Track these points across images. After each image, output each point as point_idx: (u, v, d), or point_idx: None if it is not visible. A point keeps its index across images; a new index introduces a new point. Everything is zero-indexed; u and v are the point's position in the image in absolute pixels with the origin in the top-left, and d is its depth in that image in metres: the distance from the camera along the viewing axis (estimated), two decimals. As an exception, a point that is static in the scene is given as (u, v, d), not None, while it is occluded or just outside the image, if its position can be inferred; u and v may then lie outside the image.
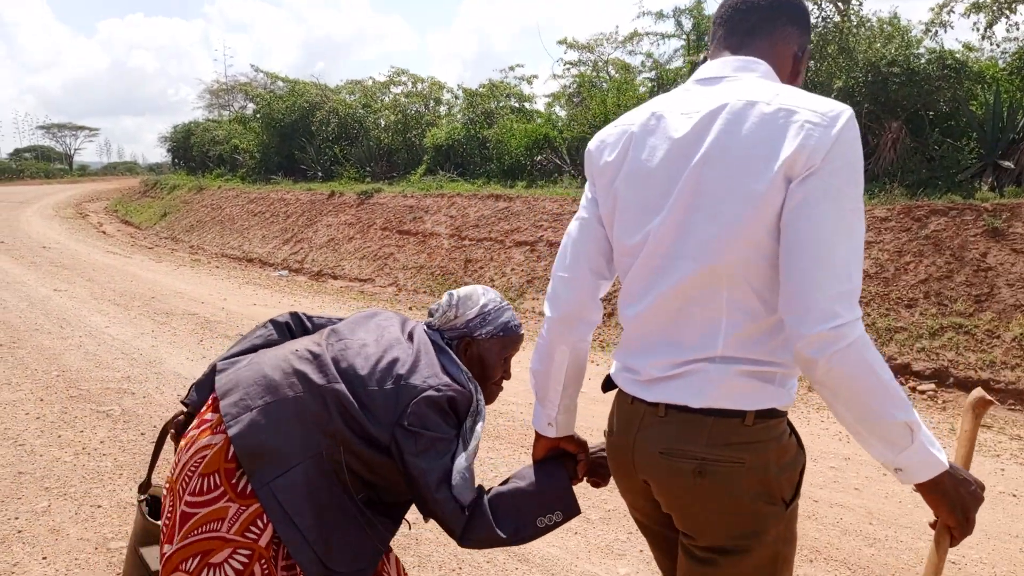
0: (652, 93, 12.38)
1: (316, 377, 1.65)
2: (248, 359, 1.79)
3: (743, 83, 1.28)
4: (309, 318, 2.01)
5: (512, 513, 1.57)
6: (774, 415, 1.27)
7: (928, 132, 9.24)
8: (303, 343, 1.78)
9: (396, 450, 1.58)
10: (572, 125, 13.34)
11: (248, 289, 10.58)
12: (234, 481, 1.60)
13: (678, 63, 14.25)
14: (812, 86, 10.09)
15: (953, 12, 9.41)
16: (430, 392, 1.59)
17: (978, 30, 9.07)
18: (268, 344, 1.89)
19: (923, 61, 9.10)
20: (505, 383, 1.91)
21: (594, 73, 15.18)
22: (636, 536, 3.26)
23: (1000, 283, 6.08)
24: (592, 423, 3.44)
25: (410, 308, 9.51)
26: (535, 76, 20.53)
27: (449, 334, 1.81)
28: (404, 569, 1.89)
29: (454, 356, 1.73)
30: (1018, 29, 8.97)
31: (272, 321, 1.97)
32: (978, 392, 1.42)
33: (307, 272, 12.38)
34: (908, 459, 1.13)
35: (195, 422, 1.74)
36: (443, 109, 17.77)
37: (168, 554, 1.60)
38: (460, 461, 1.57)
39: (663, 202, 1.28)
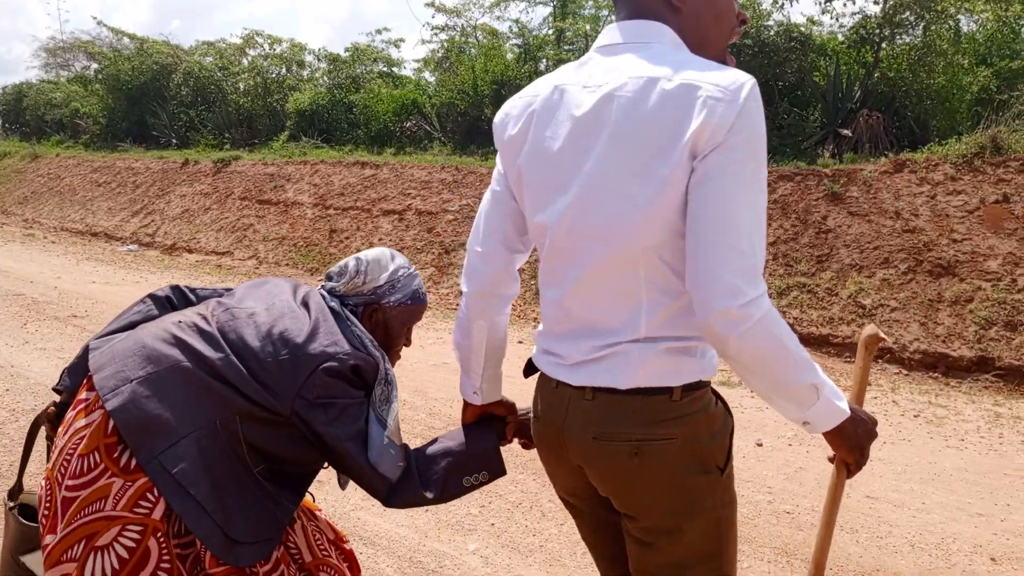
0: (519, 60, 12.29)
1: (202, 348, 1.54)
2: (125, 335, 1.66)
3: (645, 55, 1.22)
4: (193, 291, 1.87)
5: (439, 473, 1.58)
6: (699, 386, 1.28)
7: (777, 101, 9.67)
8: (186, 314, 1.65)
9: (301, 422, 1.51)
10: (441, 91, 13.06)
11: (88, 266, 9.70)
12: (115, 456, 1.47)
13: (547, 30, 14.26)
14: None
15: (800, -14, 9.81)
16: (331, 362, 1.51)
17: (819, 4, 9.52)
18: (147, 319, 1.74)
19: (772, 33, 9.49)
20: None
21: (462, 39, 14.92)
22: (486, 511, 3.19)
23: (839, 244, 6.45)
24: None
25: (270, 282, 9.04)
26: (403, 40, 19.86)
27: (354, 300, 1.71)
28: (315, 533, 1.81)
29: (357, 323, 1.63)
30: (854, 3, 9.50)
31: (151, 296, 1.82)
32: (870, 328, 1.50)
33: (159, 246, 11.53)
34: (815, 414, 1.19)
35: (71, 406, 1.60)
36: (306, 73, 16.95)
37: (50, 546, 1.46)
38: (376, 435, 1.53)
39: (567, 181, 1.26)
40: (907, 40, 9.51)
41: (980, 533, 3.13)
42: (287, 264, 9.79)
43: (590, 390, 1.29)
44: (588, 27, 11.85)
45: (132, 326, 1.73)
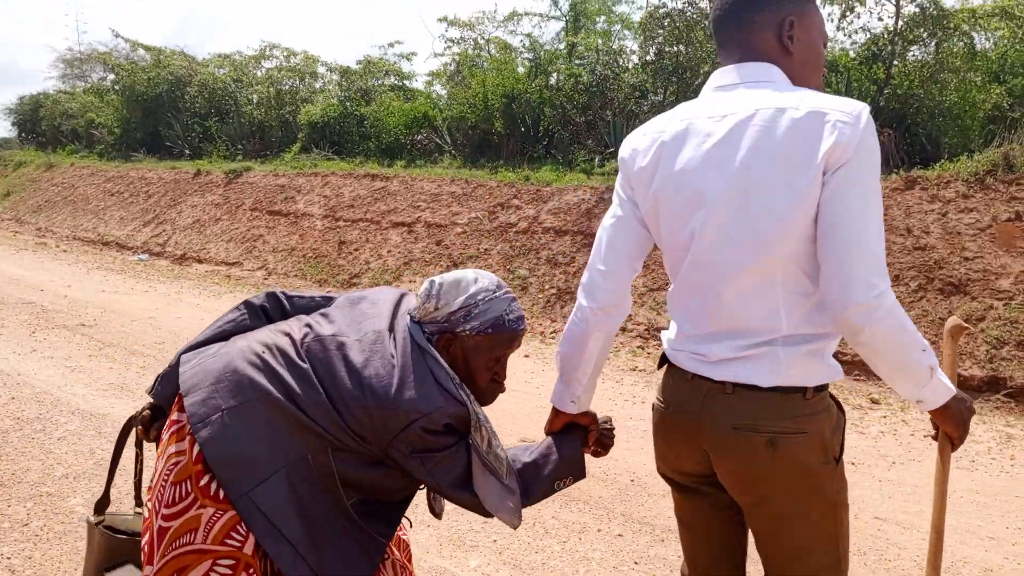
0: (531, 73, 12.33)
1: (292, 382, 1.50)
2: (215, 348, 1.61)
3: (766, 90, 1.41)
4: (289, 298, 1.81)
5: (538, 481, 1.63)
6: (825, 388, 1.45)
7: (788, 117, 9.63)
8: (278, 338, 1.59)
9: (398, 466, 1.51)
10: (452, 104, 13.11)
11: (98, 274, 9.76)
12: (204, 484, 1.45)
13: (559, 45, 14.31)
14: (683, 69, 10.35)
15: (811, 2, 9.81)
16: (421, 421, 1.45)
17: (832, 20, 9.50)
18: (239, 330, 1.70)
19: (784, 48, 9.46)
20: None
21: (475, 52, 14.98)
22: (488, 527, 3.16)
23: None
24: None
25: (279, 293, 9.05)
26: (415, 53, 20.01)
27: (429, 327, 1.59)
28: (405, 566, 1.81)
29: (439, 358, 1.52)
30: (859, 19, 9.47)
31: (246, 303, 1.77)
32: (954, 320, 1.70)
33: (169, 256, 11.59)
34: (930, 391, 1.38)
35: (165, 427, 1.58)
36: (319, 85, 17.07)
37: None
38: (485, 483, 1.52)
39: (706, 200, 1.40)
40: (919, 56, 9.48)
41: (991, 557, 3.07)
42: (296, 275, 9.81)
43: (731, 384, 1.43)
44: (600, 42, 11.88)
45: (223, 336, 1.69)
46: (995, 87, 9.07)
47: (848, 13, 9.39)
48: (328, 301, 1.77)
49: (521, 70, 13.02)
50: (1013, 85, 9.21)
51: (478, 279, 1.61)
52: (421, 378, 1.47)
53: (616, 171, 7.46)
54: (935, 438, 1.59)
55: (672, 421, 1.58)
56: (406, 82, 16.25)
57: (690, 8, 10.45)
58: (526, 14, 14.54)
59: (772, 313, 1.40)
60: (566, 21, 14.66)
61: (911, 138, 8.57)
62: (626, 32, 14.48)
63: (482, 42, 15.27)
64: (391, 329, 1.56)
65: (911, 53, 9.58)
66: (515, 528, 1.58)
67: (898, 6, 9.06)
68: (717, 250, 1.42)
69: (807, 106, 1.34)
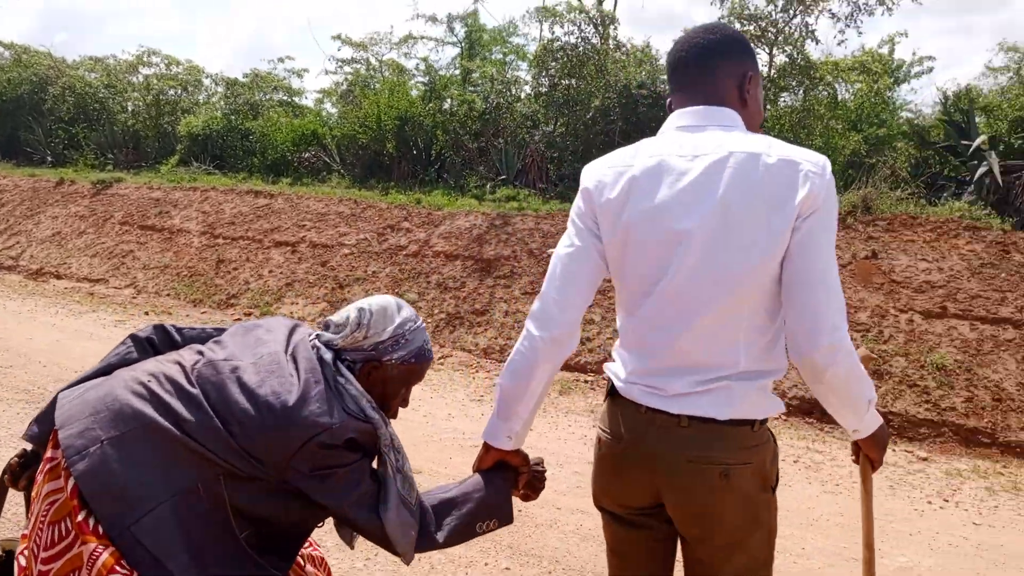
0: (425, 97, 12.30)
1: (180, 408, 1.42)
2: (97, 382, 1.52)
3: (733, 134, 1.47)
4: (179, 330, 1.72)
5: (455, 520, 1.56)
6: (766, 421, 1.53)
7: (672, 153, 10.06)
8: (165, 365, 1.51)
9: (295, 489, 1.43)
10: (343, 123, 12.86)
11: (-62, 289, 8.82)
12: (81, 519, 1.35)
13: (454, 70, 14.37)
14: (573, 103, 10.62)
15: (693, 46, 10.33)
16: (322, 436, 1.39)
17: (713, 64, 10.05)
18: (125, 364, 1.60)
19: (666, 87, 9.90)
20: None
21: (368, 72, 14.81)
22: (372, 564, 3.02)
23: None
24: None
25: (147, 313, 8.49)
26: (306, 70, 19.56)
27: (352, 355, 1.55)
28: None
29: (353, 382, 1.50)
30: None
31: (132, 337, 1.67)
32: (863, 350, 1.75)
33: (23, 270, 10.64)
34: (867, 422, 1.54)
35: (40, 467, 1.48)
36: (202, 97, 16.34)
37: None
38: (391, 504, 1.46)
39: (683, 236, 1.42)
40: (789, 103, 10.16)
41: (855, 578, 3.22)
42: (168, 294, 9.24)
43: (686, 418, 1.46)
44: (494, 70, 12.02)
45: (109, 371, 1.58)
46: (853, 135, 9.85)
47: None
48: (220, 332, 1.70)
49: (415, 93, 12.97)
50: (869, 133, 10.03)
51: (401, 308, 1.61)
52: (324, 395, 1.43)
53: (509, 197, 7.51)
54: (856, 461, 1.77)
55: (622, 454, 1.57)
56: (295, 99, 15.84)
57: (583, 44, 10.76)
58: (422, 38, 14.54)
59: (732, 349, 1.45)
60: (462, 48, 14.77)
61: (782, 178, 9.12)
62: (520, 63, 14.74)
63: (375, 63, 15.12)
64: (289, 353, 1.51)
65: (782, 99, 10.26)
66: (407, 563, 1.52)
67: (771, 55, 9.70)
68: (691, 286, 1.44)
69: (777, 153, 1.41)
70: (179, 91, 15.84)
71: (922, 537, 3.65)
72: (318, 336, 1.59)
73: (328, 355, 1.52)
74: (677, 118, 1.54)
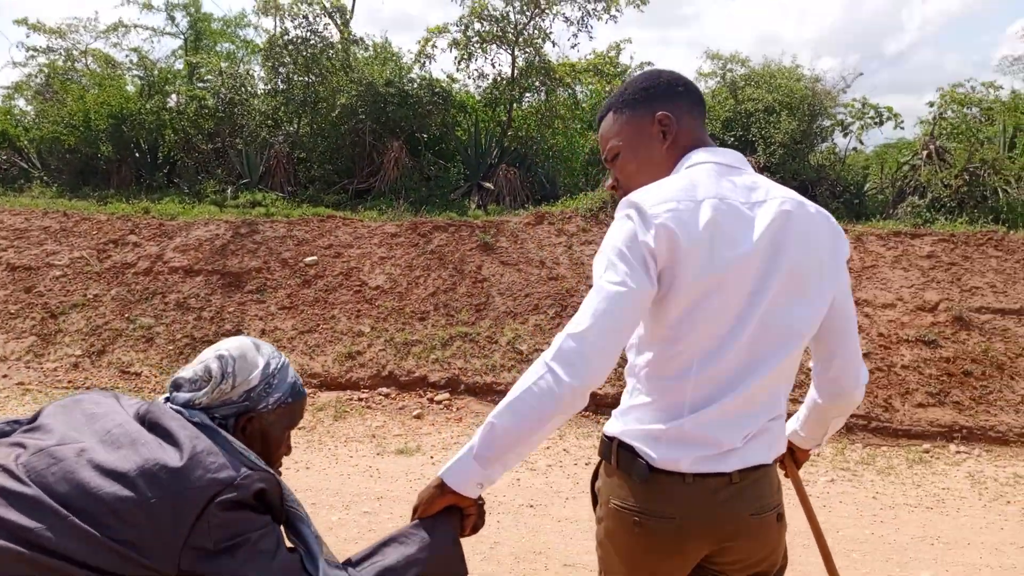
0: (142, 92, 10.90)
1: (17, 517, 1.11)
2: None
3: (763, 179, 1.49)
4: None
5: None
6: None
7: (423, 153, 9.95)
8: None
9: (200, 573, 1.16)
10: (42, 123, 10.99)
11: None
12: None
13: (178, 64, 12.95)
14: (314, 101, 10.04)
15: (436, 46, 10.31)
16: (228, 493, 1.16)
17: (456, 64, 10.09)
18: None
19: (415, 85, 9.77)
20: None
21: (67, 64, 12.82)
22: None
23: (494, 292, 6.69)
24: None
25: None
26: (-14, 60, 16.63)
27: (222, 412, 1.34)
28: None
29: (230, 439, 1.27)
30: (475, 61, 10.25)
31: None
32: None
33: None
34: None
35: None
36: None
37: None
38: (316, 567, 1.25)
39: (764, 285, 1.39)
40: (533, 103, 10.54)
41: None
42: None
43: (736, 473, 1.42)
44: (224, 64, 10.99)
45: None
46: (590, 134, 10.48)
47: (469, 58, 10.05)
48: (17, 424, 1.36)
49: (131, 88, 11.47)
50: (604, 133, 10.74)
51: (258, 345, 1.42)
52: (211, 449, 1.21)
53: (255, 203, 6.81)
54: (788, 475, 1.86)
55: (676, 531, 1.44)
56: (-27, 94, 13.28)
57: (314, 37, 10.20)
58: (135, 26, 12.89)
59: (782, 397, 1.49)
60: (185, 39, 13.37)
61: (532, 176, 9.43)
62: (253, 58, 13.70)
63: (76, 53, 13.14)
64: (145, 421, 1.26)
65: (526, 100, 10.61)
66: None
67: (513, 56, 9.96)
68: (765, 337, 1.41)
69: (810, 203, 1.49)
70: None
71: None
72: (169, 400, 1.35)
73: (199, 416, 1.30)
74: (716, 154, 1.49)
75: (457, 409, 5.70)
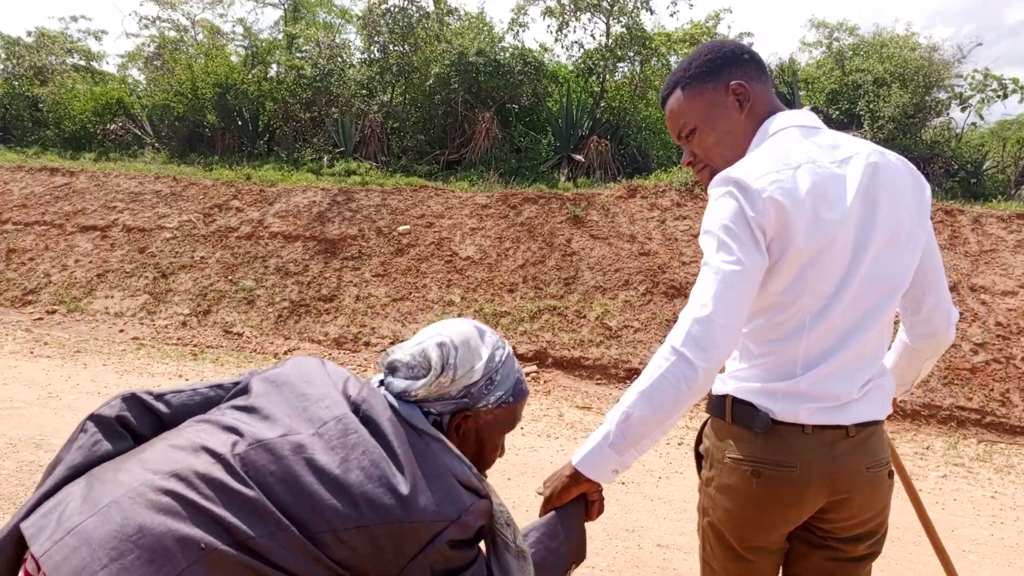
0: (246, 63, 11.27)
1: (237, 521, 1.02)
2: (77, 500, 1.04)
3: (844, 136, 1.50)
4: (160, 397, 1.24)
5: (549, 572, 1.33)
6: None
7: (514, 124, 9.91)
8: (184, 457, 1.08)
9: None
10: (154, 91, 11.54)
11: None
12: None
13: (278, 34, 13.31)
14: (409, 71, 10.14)
15: (528, 15, 10.19)
16: (450, 531, 1.09)
17: (551, 33, 9.96)
18: (94, 460, 1.14)
19: (507, 55, 9.71)
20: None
21: (177, 34, 13.36)
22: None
23: (583, 267, 6.64)
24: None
25: (-80, 317, 7.13)
26: (104, 32, 17.56)
27: (438, 407, 1.24)
28: None
29: (444, 440, 1.18)
30: (574, 33, 10.08)
31: (94, 418, 1.18)
32: None
33: None
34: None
35: None
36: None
37: None
38: None
39: (863, 241, 1.42)
40: (627, 73, 10.31)
41: None
42: (-54, 293, 7.83)
43: (853, 427, 1.45)
44: (321, 34, 11.21)
45: (77, 472, 1.12)
46: (687, 106, 10.16)
47: (564, 27, 9.90)
48: (222, 389, 1.29)
49: (235, 59, 11.87)
50: (701, 105, 10.42)
51: (483, 332, 1.30)
52: (434, 473, 1.13)
53: (350, 171, 6.95)
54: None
55: (796, 482, 1.45)
56: (94, 63, 14.02)
57: (411, 6, 10.25)
58: (239, -2, 13.25)
59: (882, 346, 1.49)
60: (284, 10, 13.71)
61: (624, 149, 9.25)
62: (349, 27, 13.92)
63: (186, 23, 13.68)
64: (360, 414, 1.17)
65: (620, 70, 10.39)
66: None
67: (608, 25, 9.75)
68: (869, 292, 1.44)
69: (884, 150, 1.49)
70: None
71: None
72: (384, 385, 1.25)
73: (414, 415, 1.20)
74: (795, 116, 1.51)
75: (544, 382, 5.72)
